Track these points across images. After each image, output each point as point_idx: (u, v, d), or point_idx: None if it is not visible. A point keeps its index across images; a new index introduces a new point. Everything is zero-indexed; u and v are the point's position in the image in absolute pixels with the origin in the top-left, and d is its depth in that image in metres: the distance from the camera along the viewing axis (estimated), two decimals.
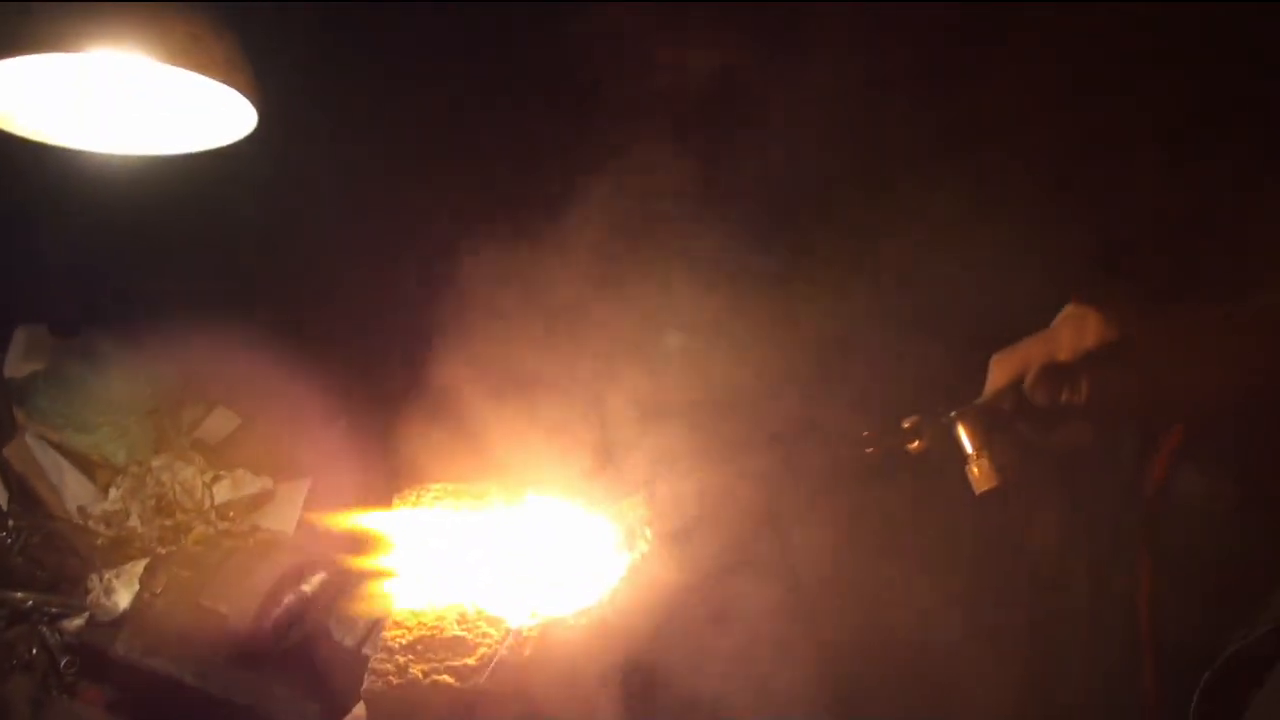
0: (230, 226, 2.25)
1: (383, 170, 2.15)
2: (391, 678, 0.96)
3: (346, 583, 1.84)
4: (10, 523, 2.03)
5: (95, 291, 2.34)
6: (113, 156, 1.70)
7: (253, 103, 1.47)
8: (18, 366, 2.27)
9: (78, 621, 1.88)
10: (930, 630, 1.92)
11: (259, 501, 2.27)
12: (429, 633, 1.01)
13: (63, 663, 1.84)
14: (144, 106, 1.65)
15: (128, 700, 1.83)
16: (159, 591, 1.89)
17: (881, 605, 1.90)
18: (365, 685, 0.97)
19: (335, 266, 2.23)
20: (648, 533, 1.14)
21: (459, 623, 1.02)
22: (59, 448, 2.21)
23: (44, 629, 1.87)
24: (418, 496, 1.16)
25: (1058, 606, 2.00)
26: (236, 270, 2.30)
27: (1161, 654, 1.27)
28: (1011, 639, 2.00)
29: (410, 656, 0.99)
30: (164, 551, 2.04)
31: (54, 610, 1.91)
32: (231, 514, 2.20)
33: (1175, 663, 1.25)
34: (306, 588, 1.87)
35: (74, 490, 2.16)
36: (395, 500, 1.15)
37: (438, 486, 1.17)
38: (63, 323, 2.37)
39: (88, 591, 1.92)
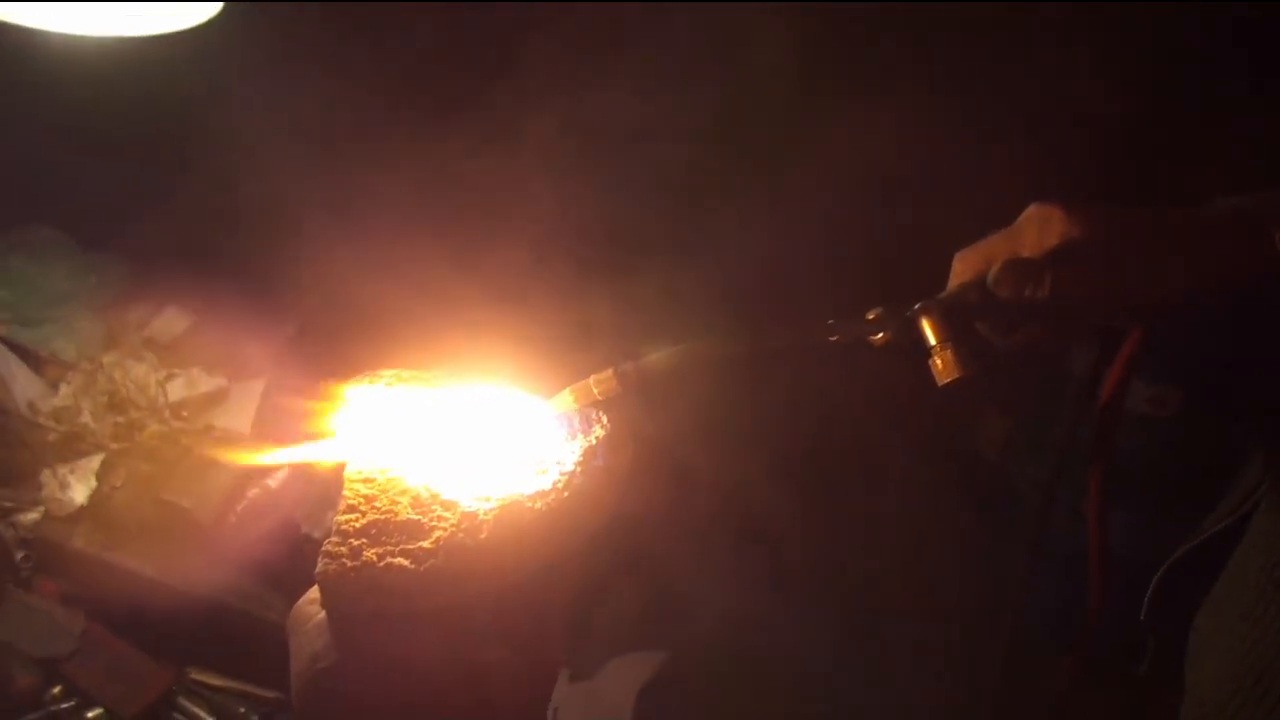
0: (181, 117, 2.19)
1: (338, 71, 2.10)
2: (345, 560, 0.96)
3: (312, 476, 1.84)
4: None
5: (39, 183, 2.27)
6: (57, 37, 1.64)
7: None
8: None
9: (32, 515, 1.87)
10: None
11: (213, 400, 2.24)
12: (382, 517, 1.00)
13: (18, 556, 1.84)
14: None
15: (86, 594, 1.83)
16: (119, 485, 1.88)
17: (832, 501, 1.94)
18: (319, 568, 0.96)
19: (288, 163, 2.19)
20: (604, 417, 1.13)
21: (413, 506, 1.01)
22: (5, 342, 2.17)
23: None
24: (370, 382, 1.14)
25: (1001, 513, 2.05)
26: (185, 164, 2.24)
27: (1107, 561, 1.29)
28: (956, 546, 2.06)
29: (364, 540, 0.98)
30: (117, 448, 2.02)
31: (7, 504, 1.90)
32: (185, 413, 2.18)
33: (1120, 569, 1.28)
34: (270, 483, 1.86)
35: (23, 385, 2.13)
36: (347, 387, 1.13)
37: (390, 373, 1.15)
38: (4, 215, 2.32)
39: (41, 486, 1.91)
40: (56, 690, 1.75)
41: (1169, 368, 1.73)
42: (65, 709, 1.73)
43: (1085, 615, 1.32)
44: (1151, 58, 1.70)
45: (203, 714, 1.75)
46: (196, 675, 1.80)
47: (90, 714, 1.72)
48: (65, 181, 2.26)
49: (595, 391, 1.09)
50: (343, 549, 1.00)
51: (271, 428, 2.16)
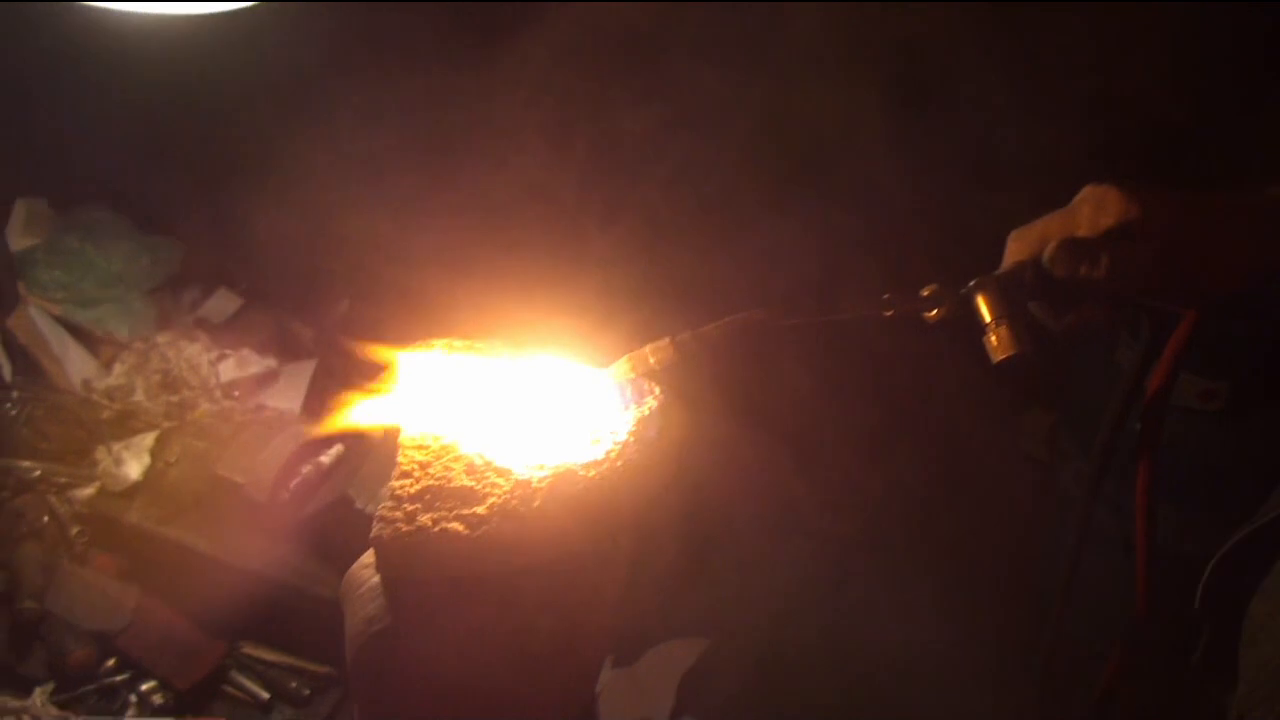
0: (236, 97, 2.21)
1: (389, 42, 2.11)
2: (400, 525, 0.96)
3: (365, 450, 1.85)
4: (14, 394, 2.04)
5: (95, 164, 2.30)
6: (112, 17, 1.65)
7: None
8: (18, 239, 2.26)
9: (87, 491, 1.90)
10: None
11: (264, 381, 2.27)
12: (436, 483, 1.00)
13: (73, 531, 1.86)
14: None
15: (141, 568, 1.85)
16: (173, 461, 1.90)
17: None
18: (374, 532, 0.97)
19: (341, 139, 2.20)
20: (656, 388, 1.13)
21: (467, 473, 1.01)
22: (61, 321, 2.20)
23: (52, 498, 1.89)
24: (424, 350, 1.14)
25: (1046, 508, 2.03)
26: (239, 144, 2.26)
27: (1155, 553, 1.28)
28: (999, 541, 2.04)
29: (418, 505, 0.98)
30: (169, 426, 2.04)
31: (62, 480, 1.92)
32: (236, 393, 2.21)
33: (1165, 565, 1.27)
34: (324, 459, 1.87)
35: (77, 364, 2.16)
36: (400, 354, 1.14)
37: (443, 341, 1.15)
38: (62, 195, 2.35)
39: (96, 463, 1.93)
40: (111, 663, 1.77)
41: (1218, 361, 1.72)
42: (119, 681, 1.75)
43: (1132, 608, 1.30)
44: (1195, 56, 1.69)
45: (255, 687, 1.76)
46: (249, 649, 1.81)
47: (144, 686, 1.74)
48: (121, 163, 2.29)
49: (651, 360, 1.09)
50: (397, 514, 1.00)
51: (321, 408, 2.18)
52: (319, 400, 2.21)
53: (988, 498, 2.08)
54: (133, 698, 1.73)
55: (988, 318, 1.01)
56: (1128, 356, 1.74)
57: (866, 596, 2.12)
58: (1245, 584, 1.16)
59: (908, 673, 2.07)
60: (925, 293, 1.03)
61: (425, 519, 1.01)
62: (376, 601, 1.02)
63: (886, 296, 1.04)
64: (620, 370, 1.11)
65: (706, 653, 2.31)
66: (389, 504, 1.01)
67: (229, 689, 1.77)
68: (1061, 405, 2.18)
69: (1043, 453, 2.24)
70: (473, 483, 1.05)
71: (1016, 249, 1.04)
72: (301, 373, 2.29)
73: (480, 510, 1.02)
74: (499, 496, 1.03)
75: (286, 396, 2.23)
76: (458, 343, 1.21)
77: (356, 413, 1.11)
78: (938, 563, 2.06)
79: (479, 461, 1.06)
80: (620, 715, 2.20)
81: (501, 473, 1.05)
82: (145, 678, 1.75)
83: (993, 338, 1.00)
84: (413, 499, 1.02)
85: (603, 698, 2.15)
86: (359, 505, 1.76)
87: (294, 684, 1.77)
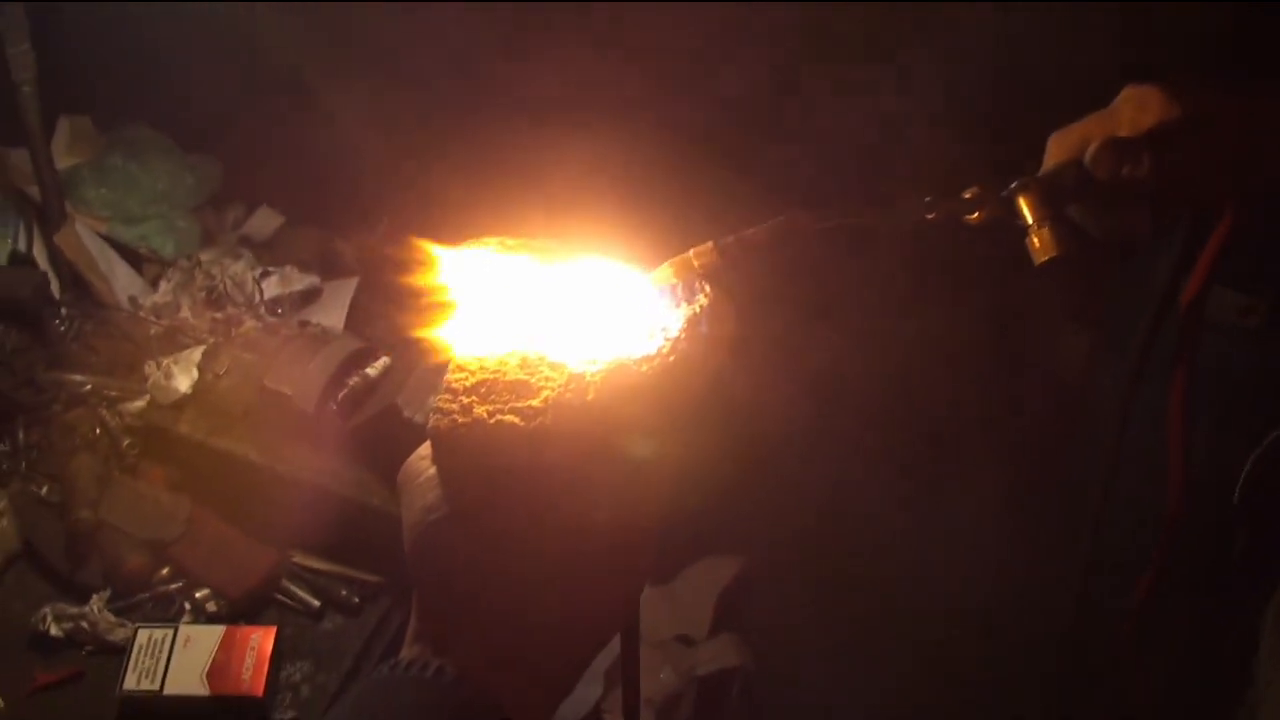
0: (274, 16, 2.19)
1: None
2: (456, 416, 0.96)
3: (412, 362, 1.86)
4: (63, 309, 2.06)
5: (139, 82, 2.29)
6: None
7: None
8: (63, 157, 2.26)
9: (137, 404, 1.92)
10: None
11: (307, 298, 2.28)
12: (491, 376, 1.00)
13: (124, 443, 1.89)
14: None
15: (192, 479, 1.88)
16: (222, 373, 1.91)
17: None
18: (430, 423, 0.97)
19: (382, 52, 2.18)
20: (707, 287, 1.11)
21: (521, 367, 1.01)
22: (107, 239, 2.21)
23: (103, 411, 1.91)
24: (477, 246, 1.13)
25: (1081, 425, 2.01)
26: (279, 62, 2.24)
27: (1189, 463, 1.26)
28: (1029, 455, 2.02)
29: (474, 398, 0.98)
30: (215, 341, 2.06)
31: (112, 393, 1.94)
32: (280, 310, 2.22)
33: (1201, 481, 1.25)
34: (370, 370, 1.88)
35: (124, 281, 2.17)
36: (453, 249, 1.13)
37: (494, 240, 1.14)
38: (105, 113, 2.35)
39: (145, 377, 1.95)
40: (165, 572, 1.80)
41: (1258, 276, 1.69)
42: (174, 589, 1.78)
43: (1165, 521, 1.29)
44: None
45: (306, 596, 1.79)
46: (299, 559, 1.83)
47: (198, 594, 1.77)
48: (165, 81, 2.28)
49: (695, 264, 1.08)
50: (454, 405, 1.00)
51: (364, 325, 2.19)
52: (361, 318, 2.22)
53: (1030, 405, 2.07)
54: (187, 605, 1.77)
55: (1030, 219, 0.99)
56: (1164, 268, 1.72)
57: (913, 512, 2.12)
58: None
59: (948, 588, 2.08)
60: (967, 195, 1.01)
61: (481, 411, 1.01)
62: (434, 491, 1.02)
63: (929, 199, 1.03)
64: (663, 275, 1.10)
65: (745, 569, 2.32)
66: (446, 396, 1.01)
67: (280, 597, 1.80)
68: (1097, 324, 2.15)
69: (1077, 374, 2.22)
70: (527, 376, 1.05)
71: (1058, 150, 1.03)
72: (344, 289, 2.30)
73: (535, 403, 1.02)
74: (553, 390, 1.02)
75: (329, 313, 2.24)
76: (510, 240, 1.20)
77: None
78: (982, 476, 2.06)
79: (533, 356, 1.06)
80: (658, 631, 2.22)
81: (555, 367, 1.05)
82: (199, 586, 1.78)
83: (1035, 239, 0.99)
84: (468, 391, 1.02)
85: (640, 614, 2.16)
86: (407, 415, 1.76)
87: (344, 592, 1.79)
